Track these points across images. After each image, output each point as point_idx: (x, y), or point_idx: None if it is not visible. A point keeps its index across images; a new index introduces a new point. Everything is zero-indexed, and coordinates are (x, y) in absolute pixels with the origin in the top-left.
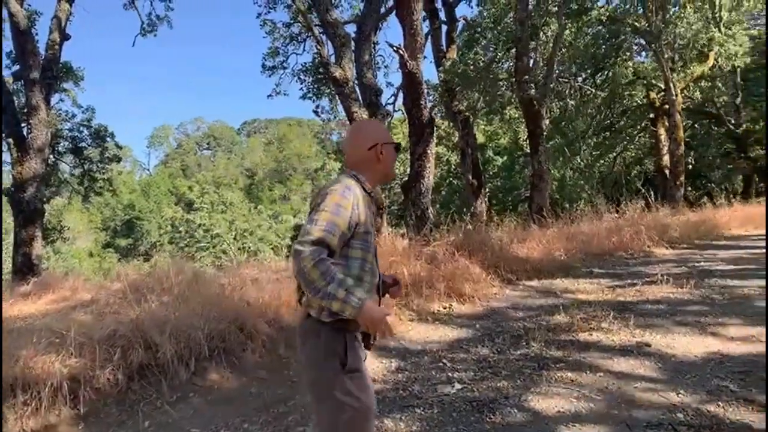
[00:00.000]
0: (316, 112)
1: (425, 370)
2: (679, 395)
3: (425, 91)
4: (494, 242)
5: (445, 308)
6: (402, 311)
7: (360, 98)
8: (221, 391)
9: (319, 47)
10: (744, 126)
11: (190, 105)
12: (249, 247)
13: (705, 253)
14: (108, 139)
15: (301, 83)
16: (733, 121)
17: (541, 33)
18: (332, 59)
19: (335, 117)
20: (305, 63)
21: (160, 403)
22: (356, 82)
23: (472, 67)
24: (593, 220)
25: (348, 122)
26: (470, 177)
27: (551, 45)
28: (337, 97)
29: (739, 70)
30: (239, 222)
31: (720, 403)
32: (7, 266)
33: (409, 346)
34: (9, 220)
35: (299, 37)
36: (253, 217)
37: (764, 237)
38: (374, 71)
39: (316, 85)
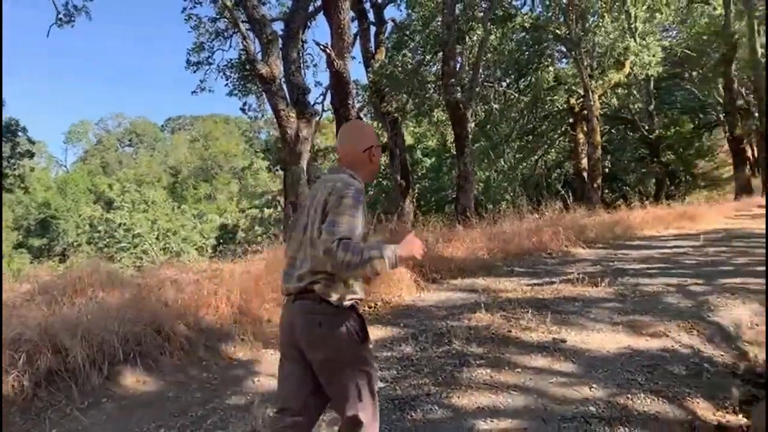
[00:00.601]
0: (243, 110)
1: None
2: (592, 389)
3: (353, 90)
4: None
5: (370, 308)
6: None
7: (287, 96)
8: (136, 396)
9: (245, 43)
10: (657, 132)
11: (111, 100)
12: (172, 248)
13: (619, 252)
14: (19, 133)
15: (227, 80)
16: (646, 127)
17: (467, 37)
18: (259, 56)
19: (263, 115)
20: (231, 59)
21: (69, 409)
22: (284, 80)
23: (400, 68)
24: (515, 220)
25: (276, 120)
26: (398, 177)
27: (477, 49)
28: (264, 95)
29: (652, 78)
30: (162, 221)
31: (629, 395)
32: None
33: None
34: None
35: (225, 33)
36: (176, 217)
37: (674, 238)
38: (302, 70)
39: (242, 82)
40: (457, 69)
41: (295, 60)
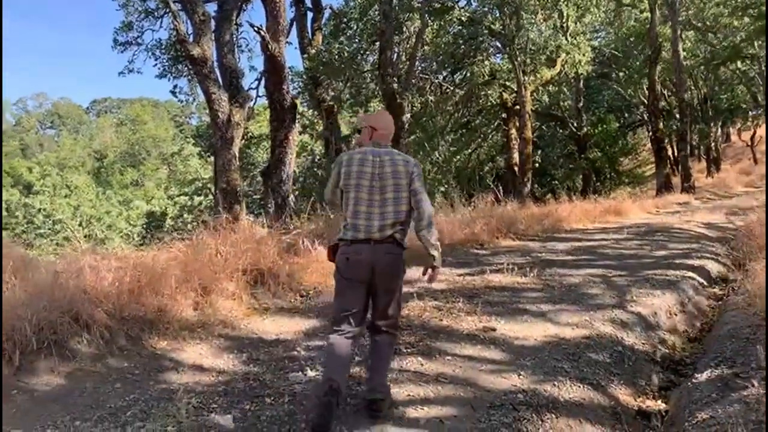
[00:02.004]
0: (173, 93)
1: (278, 360)
2: (520, 377)
3: (288, 75)
4: None
5: (302, 296)
6: (257, 300)
7: (220, 80)
8: (51, 388)
9: (176, 23)
10: (585, 129)
11: (31, 79)
12: (96, 235)
13: (547, 244)
14: None
15: (156, 60)
16: (575, 125)
17: (405, 28)
18: (191, 38)
19: (194, 99)
20: (161, 39)
21: None
22: (216, 63)
23: (337, 56)
24: (448, 212)
25: (207, 104)
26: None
27: (414, 40)
28: (195, 78)
29: (582, 77)
30: (85, 207)
31: (556, 382)
32: None
33: (263, 336)
34: None
35: (156, 13)
36: (101, 203)
37: (599, 231)
38: (236, 53)
39: (173, 63)
40: (394, 59)
41: (229, 43)
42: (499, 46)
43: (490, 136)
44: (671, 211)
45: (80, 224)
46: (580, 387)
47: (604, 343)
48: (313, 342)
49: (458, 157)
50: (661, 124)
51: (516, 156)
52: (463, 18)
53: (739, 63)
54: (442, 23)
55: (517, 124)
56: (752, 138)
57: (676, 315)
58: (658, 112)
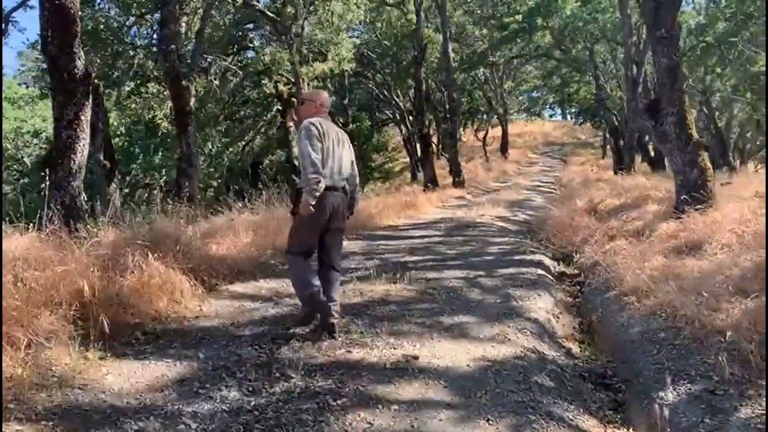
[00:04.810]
0: None
1: None
2: (491, 423)
3: (78, 32)
4: (188, 239)
5: (145, 334)
6: (86, 347)
7: None
8: None
9: None
10: (350, 126)
11: None
12: None
13: (376, 243)
14: None
15: None
16: (342, 120)
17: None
18: None
19: None
20: None
21: None
22: None
23: (103, 26)
24: (254, 212)
25: None
26: (102, 157)
27: (201, 15)
28: None
29: (347, 74)
30: None
31: (532, 424)
32: None
33: (115, 401)
34: None
35: None
36: None
37: (412, 227)
38: None
39: None
40: (176, 34)
41: None
42: (276, 34)
43: (265, 129)
44: (457, 205)
45: None
46: (556, 426)
47: (534, 361)
48: (199, 404)
49: (231, 149)
50: (427, 121)
51: (296, 149)
52: (237, 1)
53: (482, 69)
54: (218, 3)
55: (295, 117)
56: (484, 138)
57: (558, 318)
58: (424, 110)
